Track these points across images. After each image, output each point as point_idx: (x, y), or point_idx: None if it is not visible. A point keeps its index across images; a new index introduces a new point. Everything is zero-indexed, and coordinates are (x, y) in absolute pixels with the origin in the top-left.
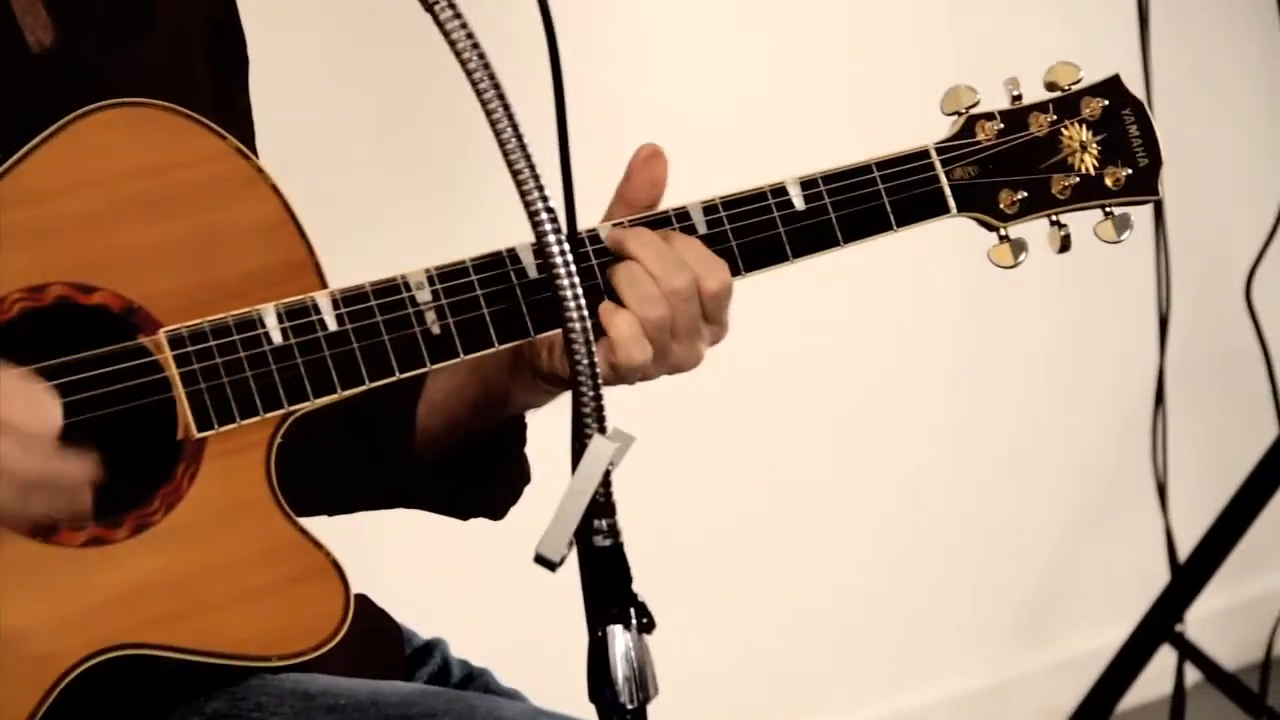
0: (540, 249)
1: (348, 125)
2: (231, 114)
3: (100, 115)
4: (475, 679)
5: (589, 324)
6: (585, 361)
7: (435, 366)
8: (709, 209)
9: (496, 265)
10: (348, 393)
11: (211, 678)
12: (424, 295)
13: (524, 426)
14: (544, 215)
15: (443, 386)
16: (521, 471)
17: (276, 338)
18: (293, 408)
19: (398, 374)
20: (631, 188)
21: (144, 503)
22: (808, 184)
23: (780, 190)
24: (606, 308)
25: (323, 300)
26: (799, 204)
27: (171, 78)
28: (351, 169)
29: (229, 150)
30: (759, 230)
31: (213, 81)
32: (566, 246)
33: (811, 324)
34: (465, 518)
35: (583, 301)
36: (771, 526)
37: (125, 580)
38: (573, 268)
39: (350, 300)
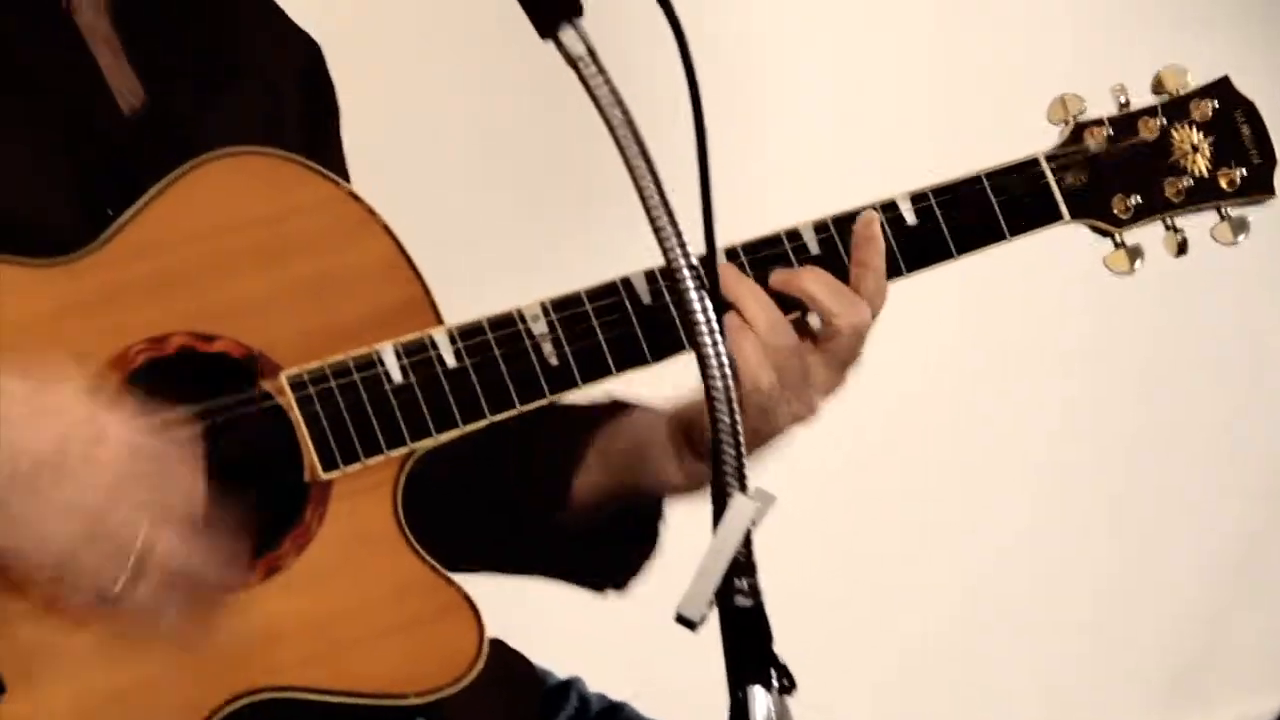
0: (684, 302)
1: (454, 158)
2: (322, 161)
3: (210, 166)
4: (616, 713)
5: (731, 382)
6: (726, 420)
7: (554, 396)
8: (820, 228)
9: (610, 294)
10: (469, 427)
11: (350, 718)
12: (540, 327)
13: (663, 501)
14: (687, 275)
15: (597, 457)
16: (654, 541)
17: (396, 376)
18: (415, 444)
19: (518, 406)
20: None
21: (275, 546)
22: (918, 198)
23: (891, 205)
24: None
25: (440, 336)
26: (910, 218)
27: (262, 129)
28: (461, 201)
29: (340, 194)
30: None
31: (303, 130)
32: (709, 304)
33: (954, 380)
34: (599, 589)
35: (725, 359)
36: (920, 596)
37: (262, 624)
38: (716, 328)
39: (467, 335)
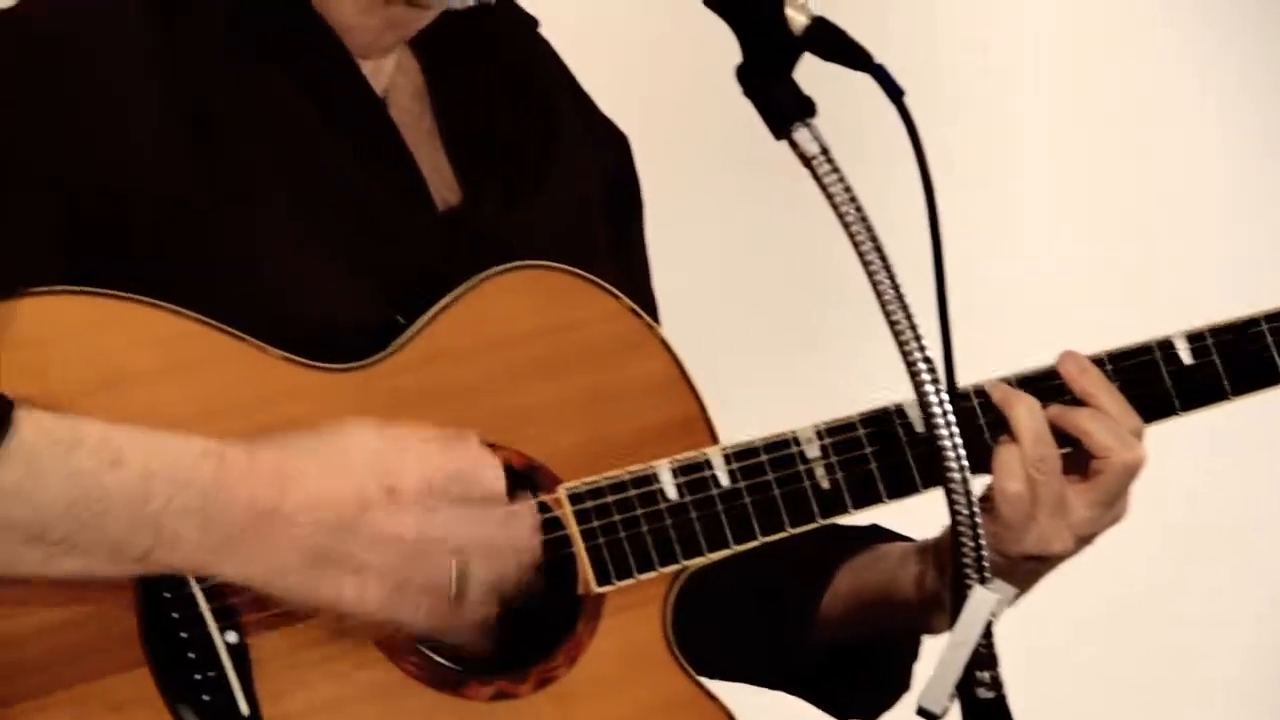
0: (919, 397)
1: (728, 277)
2: (628, 260)
3: (502, 279)
4: None
5: (968, 473)
6: (965, 511)
7: (825, 520)
8: (1095, 362)
9: (883, 421)
10: (740, 547)
11: None
12: (813, 451)
13: (919, 642)
14: (922, 365)
15: (846, 585)
16: (906, 682)
17: (671, 493)
18: (687, 562)
19: (788, 528)
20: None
21: (548, 657)
22: (1194, 338)
23: (1167, 344)
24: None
25: (715, 456)
26: (1186, 358)
27: (569, 233)
28: (735, 323)
29: (622, 310)
30: (1147, 384)
31: (609, 229)
32: (945, 395)
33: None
34: (843, 717)
35: (962, 450)
36: (1149, 677)
37: None
38: (951, 416)
39: (742, 456)
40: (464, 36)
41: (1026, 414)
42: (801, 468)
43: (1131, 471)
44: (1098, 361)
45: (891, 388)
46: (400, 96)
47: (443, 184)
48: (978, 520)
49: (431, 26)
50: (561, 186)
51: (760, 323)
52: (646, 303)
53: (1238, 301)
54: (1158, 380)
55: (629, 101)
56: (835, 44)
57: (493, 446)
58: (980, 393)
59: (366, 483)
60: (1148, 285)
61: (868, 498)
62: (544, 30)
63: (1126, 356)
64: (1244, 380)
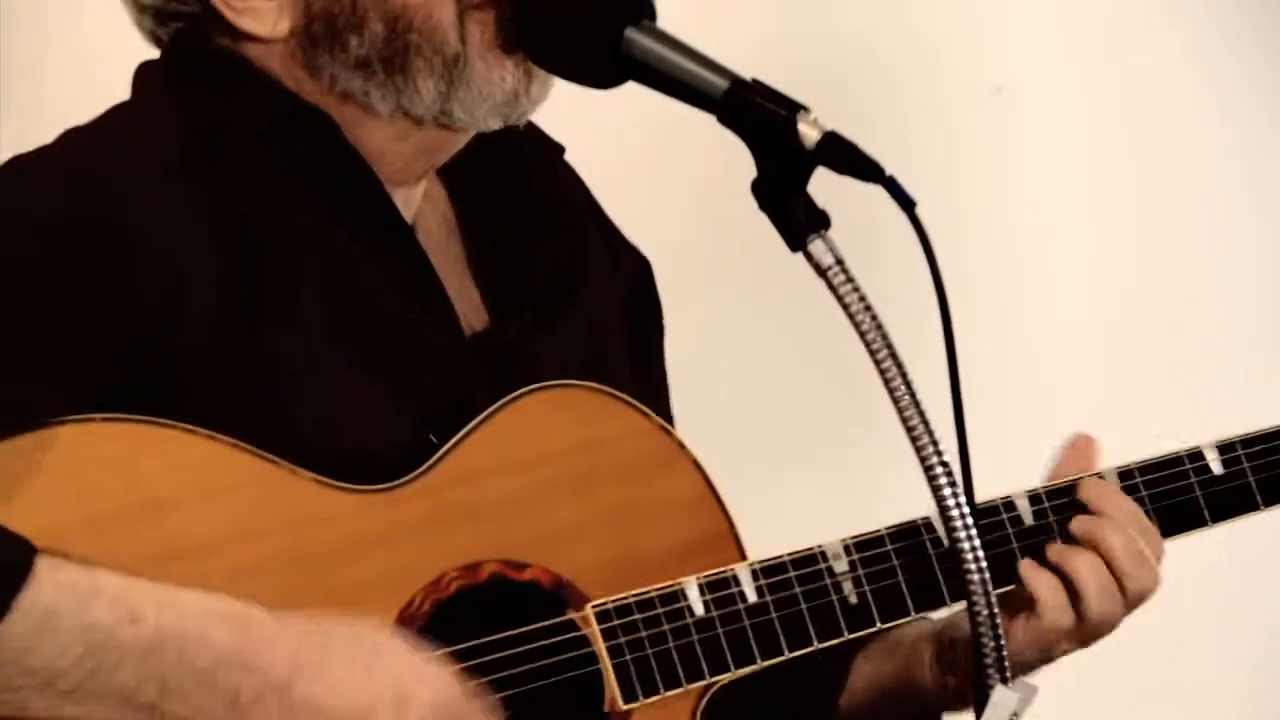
0: (937, 502)
1: (754, 391)
2: (648, 380)
3: (532, 398)
4: None
5: (987, 573)
6: (985, 612)
7: (852, 635)
8: (1124, 474)
9: (911, 535)
10: (767, 663)
11: None
12: (841, 565)
13: None
14: (940, 470)
15: (864, 677)
16: None
17: (699, 609)
18: (714, 678)
19: (816, 643)
20: (1063, 471)
21: None
22: (1225, 448)
23: (1197, 455)
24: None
25: (743, 572)
26: (1217, 469)
27: (592, 356)
28: (764, 437)
29: (651, 427)
30: (1177, 495)
31: (629, 351)
32: (962, 499)
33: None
34: None
35: (980, 550)
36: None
37: None
38: (969, 517)
39: (770, 572)
40: (490, 164)
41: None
42: (829, 582)
43: (1143, 598)
44: (1127, 473)
45: (921, 497)
46: (428, 223)
47: (470, 309)
48: (997, 620)
49: (458, 154)
50: (585, 311)
51: (790, 436)
52: (666, 422)
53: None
54: (1188, 490)
55: (649, 222)
56: (847, 158)
57: (522, 565)
58: (1009, 505)
59: (382, 695)
60: (1169, 341)
61: (895, 612)
62: (568, 155)
63: (1157, 468)
64: (1275, 492)
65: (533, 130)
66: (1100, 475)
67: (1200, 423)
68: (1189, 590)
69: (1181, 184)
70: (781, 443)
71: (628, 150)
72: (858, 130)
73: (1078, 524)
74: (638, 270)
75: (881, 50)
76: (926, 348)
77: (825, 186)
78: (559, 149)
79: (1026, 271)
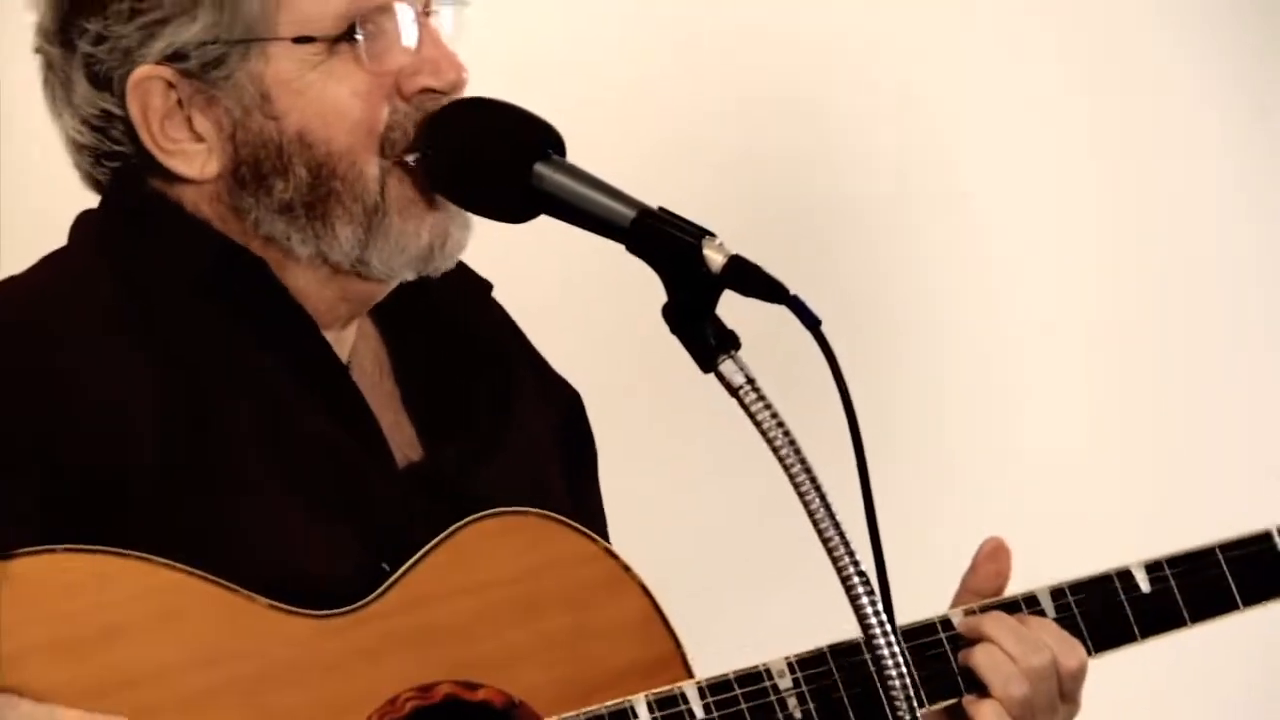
0: (855, 611)
1: (691, 515)
2: (586, 507)
3: (480, 525)
4: None
5: (915, 700)
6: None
7: None
8: (1056, 593)
9: (854, 652)
10: None
11: None
12: (785, 682)
13: None
14: (857, 582)
15: None
16: None
17: None
18: None
19: None
20: (977, 579)
21: None
22: (1152, 567)
23: (1126, 574)
24: (969, 701)
25: (690, 690)
26: (1145, 587)
27: (527, 485)
28: (707, 558)
29: (598, 551)
30: (1108, 612)
31: (564, 479)
32: (880, 609)
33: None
34: None
35: (900, 657)
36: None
37: None
38: (890, 630)
39: (716, 689)
40: (419, 302)
41: (1003, 631)
42: (774, 699)
43: (1042, 675)
44: (1059, 592)
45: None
46: (362, 361)
47: (405, 443)
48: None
49: (389, 294)
50: (518, 441)
51: (734, 555)
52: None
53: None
54: (1118, 609)
55: (563, 346)
56: (752, 280)
57: (475, 685)
58: (947, 623)
59: None
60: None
61: None
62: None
63: (1087, 587)
64: (1202, 608)
65: (461, 268)
66: (1034, 593)
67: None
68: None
69: (1157, 280)
70: (734, 563)
71: (541, 281)
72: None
73: (961, 625)
74: (568, 401)
75: (851, 157)
76: (847, 472)
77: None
78: (486, 286)
79: (1005, 378)
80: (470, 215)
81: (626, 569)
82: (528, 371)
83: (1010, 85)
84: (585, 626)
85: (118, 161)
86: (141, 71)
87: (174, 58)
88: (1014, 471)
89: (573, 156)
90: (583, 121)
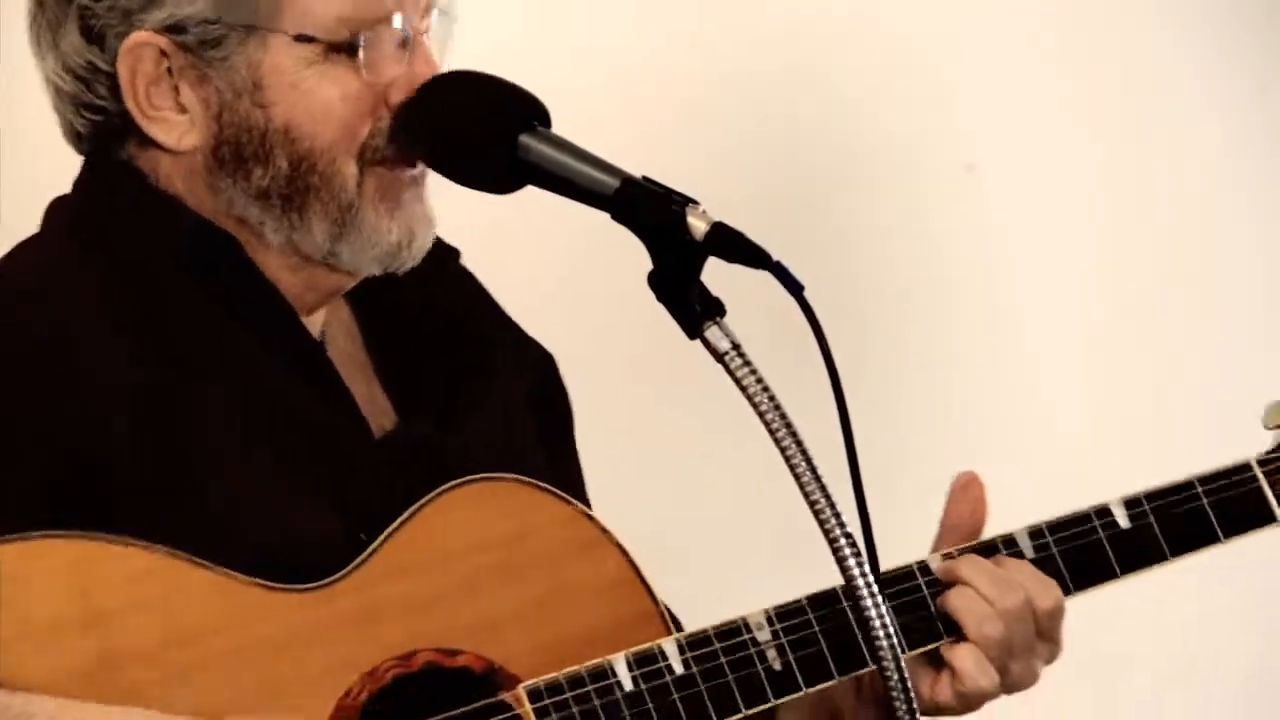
0: (842, 572)
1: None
2: (563, 469)
3: (456, 492)
4: None
5: (896, 639)
6: (896, 678)
7: (779, 700)
8: (1035, 534)
9: (831, 602)
10: None
11: None
12: (764, 635)
13: None
14: (844, 543)
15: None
16: None
17: (628, 684)
18: None
19: (743, 710)
20: (954, 514)
21: None
22: (1132, 503)
23: (1104, 511)
24: (946, 647)
25: (669, 646)
26: (1124, 523)
27: (503, 450)
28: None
29: (574, 514)
30: (1086, 551)
31: (540, 443)
32: (870, 575)
33: None
34: None
35: (887, 618)
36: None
37: None
38: (875, 589)
39: (695, 644)
40: (388, 274)
41: (977, 574)
42: (753, 651)
43: (1021, 616)
44: (1037, 532)
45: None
46: (334, 334)
47: (379, 413)
48: (910, 693)
49: None
50: (493, 407)
51: (721, 522)
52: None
53: None
54: (1097, 546)
55: (551, 316)
56: (736, 246)
57: (454, 652)
58: (925, 569)
59: None
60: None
61: (819, 676)
62: (467, 258)
63: (1066, 525)
64: (1182, 542)
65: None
66: (1011, 535)
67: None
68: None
69: (1160, 256)
70: (708, 529)
71: (525, 248)
72: (832, 214)
73: (938, 570)
74: (542, 364)
75: (856, 129)
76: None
77: None
78: (454, 252)
79: (1009, 350)
80: (433, 216)
81: (604, 531)
82: (500, 336)
83: (1018, 63)
84: (562, 589)
85: (99, 116)
86: (139, 36)
87: (173, 29)
88: (1016, 449)
89: (577, 133)
90: (585, 96)
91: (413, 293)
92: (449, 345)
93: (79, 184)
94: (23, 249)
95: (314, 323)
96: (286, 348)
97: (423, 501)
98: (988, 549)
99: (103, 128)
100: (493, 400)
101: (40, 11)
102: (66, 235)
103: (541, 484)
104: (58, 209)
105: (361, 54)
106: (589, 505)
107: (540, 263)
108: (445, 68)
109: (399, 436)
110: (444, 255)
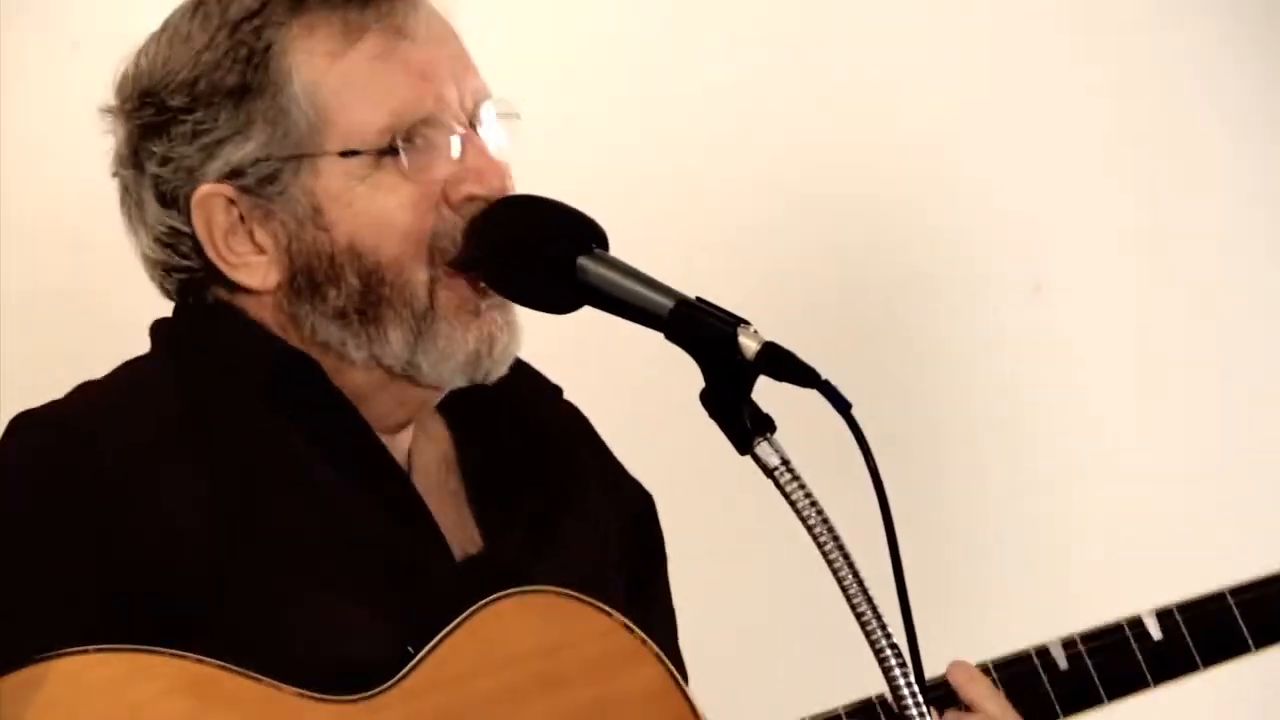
0: (889, 683)
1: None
2: (645, 605)
3: (497, 605)
4: None
5: None
6: None
7: None
8: (1068, 644)
9: (866, 711)
10: None
11: None
12: None
13: None
14: (889, 654)
15: None
16: None
17: None
18: None
19: None
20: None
21: None
22: (1164, 615)
23: (1137, 623)
24: None
25: None
26: (1156, 634)
27: (582, 582)
28: (732, 626)
29: (614, 625)
30: (1119, 662)
31: (622, 575)
32: (916, 686)
33: None
34: None
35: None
36: None
37: None
38: (923, 707)
39: None
40: (489, 404)
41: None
42: None
43: None
44: (1070, 643)
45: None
46: (425, 461)
47: (466, 539)
48: None
49: (461, 396)
50: (578, 540)
51: (766, 632)
52: (672, 653)
53: None
54: (1129, 657)
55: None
56: (786, 366)
57: None
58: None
59: None
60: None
61: None
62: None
63: (1098, 637)
64: (1214, 652)
65: (532, 373)
66: (1046, 647)
67: None
68: None
69: (1233, 376)
70: (748, 634)
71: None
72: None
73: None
74: (639, 504)
75: (919, 248)
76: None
77: None
78: (557, 390)
79: (1074, 467)
80: (520, 323)
81: (644, 641)
82: (595, 467)
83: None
84: (603, 699)
85: (185, 275)
86: (204, 190)
87: (232, 175)
88: (1052, 559)
89: (640, 253)
90: (653, 223)
91: (512, 422)
92: (541, 472)
93: (178, 309)
94: (127, 366)
95: (401, 440)
96: (368, 472)
97: (465, 614)
98: (1021, 659)
99: (188, 284)
100: (579, 528)
101: (126, 195)
102: (165, 354)
103: (581, 595)
104: (160, 328)
105: (404, 158)
106: (677, 648)
107: (598, 385)
108: (510, 165)
109: (481, 560)
110: (547, 390)
